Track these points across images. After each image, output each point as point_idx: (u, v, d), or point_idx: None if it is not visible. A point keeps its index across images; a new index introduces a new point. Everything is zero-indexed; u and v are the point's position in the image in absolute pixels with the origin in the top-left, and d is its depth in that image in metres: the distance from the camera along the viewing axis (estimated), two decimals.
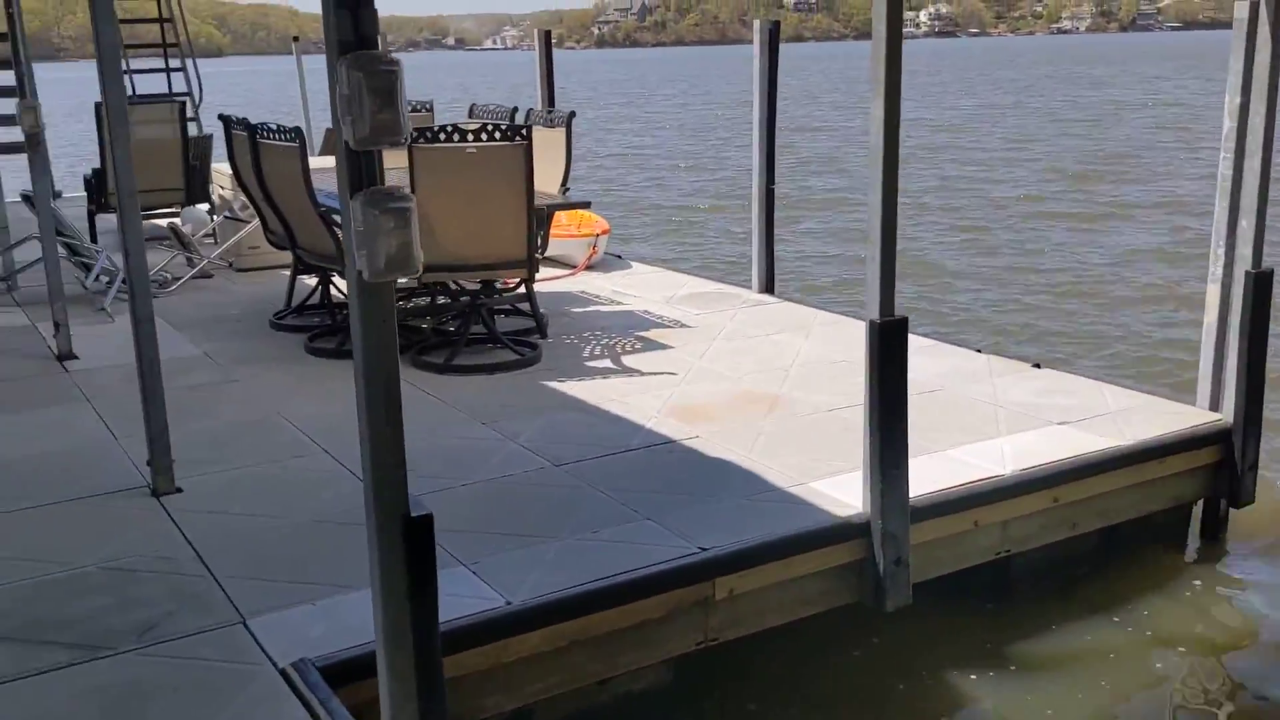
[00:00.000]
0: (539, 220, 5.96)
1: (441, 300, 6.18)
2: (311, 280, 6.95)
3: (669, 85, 62.36)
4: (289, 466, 4.48)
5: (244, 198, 8.12)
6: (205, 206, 9.02)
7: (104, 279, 7.33)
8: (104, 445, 4.73)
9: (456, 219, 5.52)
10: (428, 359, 5.82)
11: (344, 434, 4.78)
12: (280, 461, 4.53)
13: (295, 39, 13.97)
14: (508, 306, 6.35)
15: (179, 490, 4.19)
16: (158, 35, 14.14)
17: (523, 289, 6.09)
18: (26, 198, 7.24)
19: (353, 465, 4.41)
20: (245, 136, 6.10)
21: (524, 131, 5.39)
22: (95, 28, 3.83)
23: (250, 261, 8.27)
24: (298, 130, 5.62)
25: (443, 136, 5.34)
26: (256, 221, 7.89)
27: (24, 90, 5.70)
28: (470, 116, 7.50)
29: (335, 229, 5.82)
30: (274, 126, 5.83)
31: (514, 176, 5.43)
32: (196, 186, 8.40)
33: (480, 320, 5.98)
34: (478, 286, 5.94)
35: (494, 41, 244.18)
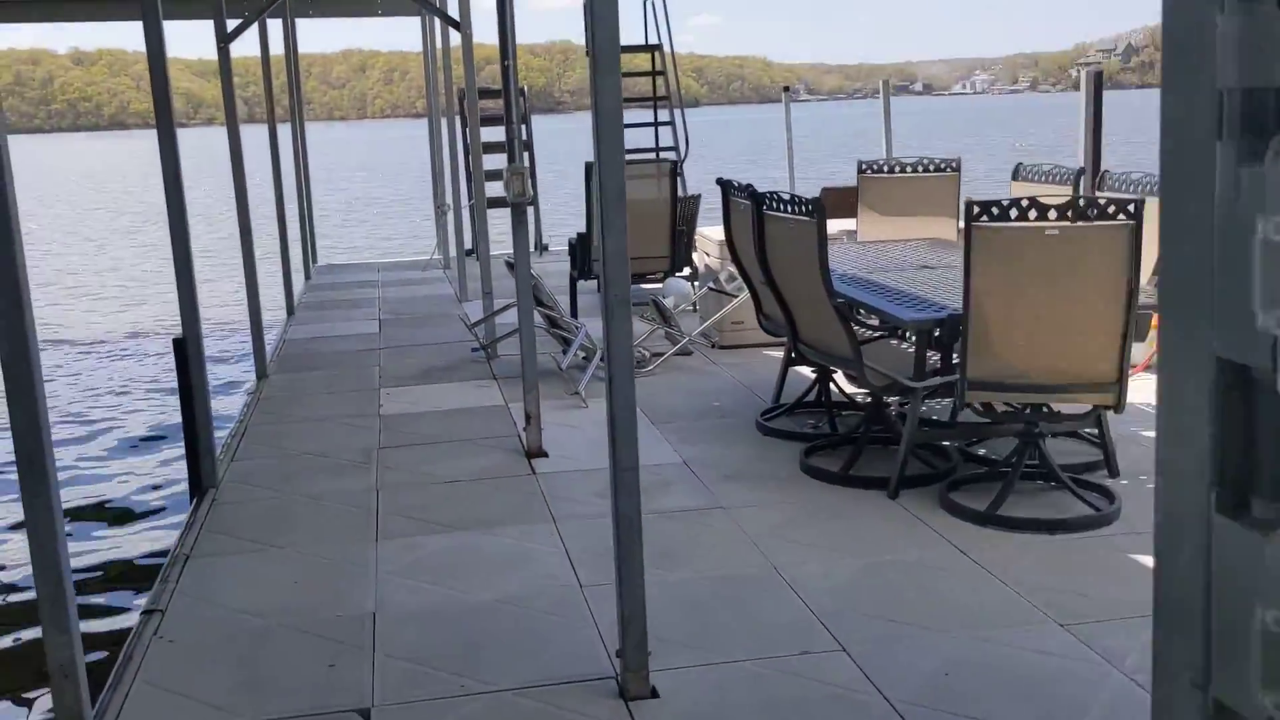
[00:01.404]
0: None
1: (981, 420, 4.74)
2: (806, 371, 5.81)
3: None
4: (793, 670, 3.25)
5: (731, 268, 7.20)
6: (686, 271, 8.26)
7: (580, 354, 6.67)
8: (567, 597, 3.79)
9: (1023, 321, 4.08)
10: (962, 501, 4.40)
11: (859, 616, 3.50)
12: (779, 658, 3.32)
13: (786, 89, 13.23)
14: (1067, 430, 4.79)
15: (654, 695, 3.10)
16: (647, 88, 13.99)
17: (1092, 412, 4.51)
18: (511, 266, 6.75)
19: (875, 674, 3.09)
20: (749, 205, 5.06)
21: (1132, 207, 3.84)
22: (594, 83, 2.88)
23: (733, 338, 7.33)
24: (815, 204, 4.46)
25: (1014, 213, 3.93)
26: (744, 296, 6.92)
27: (513, 154, 5.05)
28: (1016, 178, 6.02)
29: (853, 325, 4.60)
30: (786, 196, 4.72)
31: (1113, 268, 3.90)
32: (681, 253, 7.61)
33: (1035, 451, 4.47)
34: (1030, 408, 4.44)
35: (963, 86, 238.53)
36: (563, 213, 22.96)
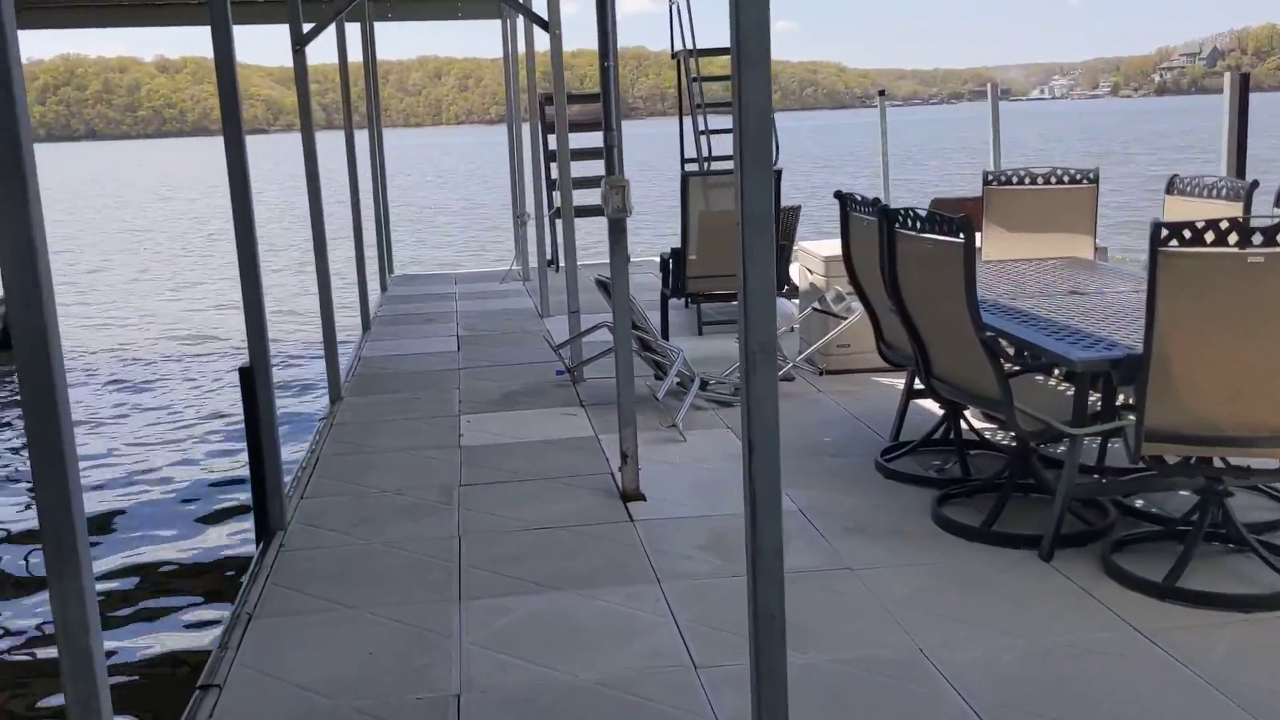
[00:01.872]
0: None
1: (1148, 474, 4.11)
2: (930, 405, 5.24)
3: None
4: None
5: (839, 287, 6.63)
6: (784, 289, 7.71)
7: (675, 380, 6.15)
8: (679, 681, 3.26)
9: (1217, 363, 3.47)
10: (1131, 567, 3.79)
11: (1031, 718, 2.92)
12: None
13: (881, 93, 12.61)
14: (1251, 485, 4.15)
15: None
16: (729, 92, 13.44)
17: None
18: (603, 285, 6.26)
19: None
20: (874, 222, 4.50)
21: None
22: (738, 81, 2.35)
23: (838, 362, 6.76)
24: (962, 224, 3.88)
25: (1210, 236, 3.33)
26: (854, 318, 6.35)
27: (612, 164, 4.54)
28: (1171, 192, 5.37)
29: (1001, 362, 4.01)
30: (923, 214, 4.15)
31: None
32: (782, 269, 7.05)
33: (1218, 509, 3.84)
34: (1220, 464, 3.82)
35: (1041, 91, 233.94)
36: (641, 222, 22.50)
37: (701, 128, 12.26)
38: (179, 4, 12.08)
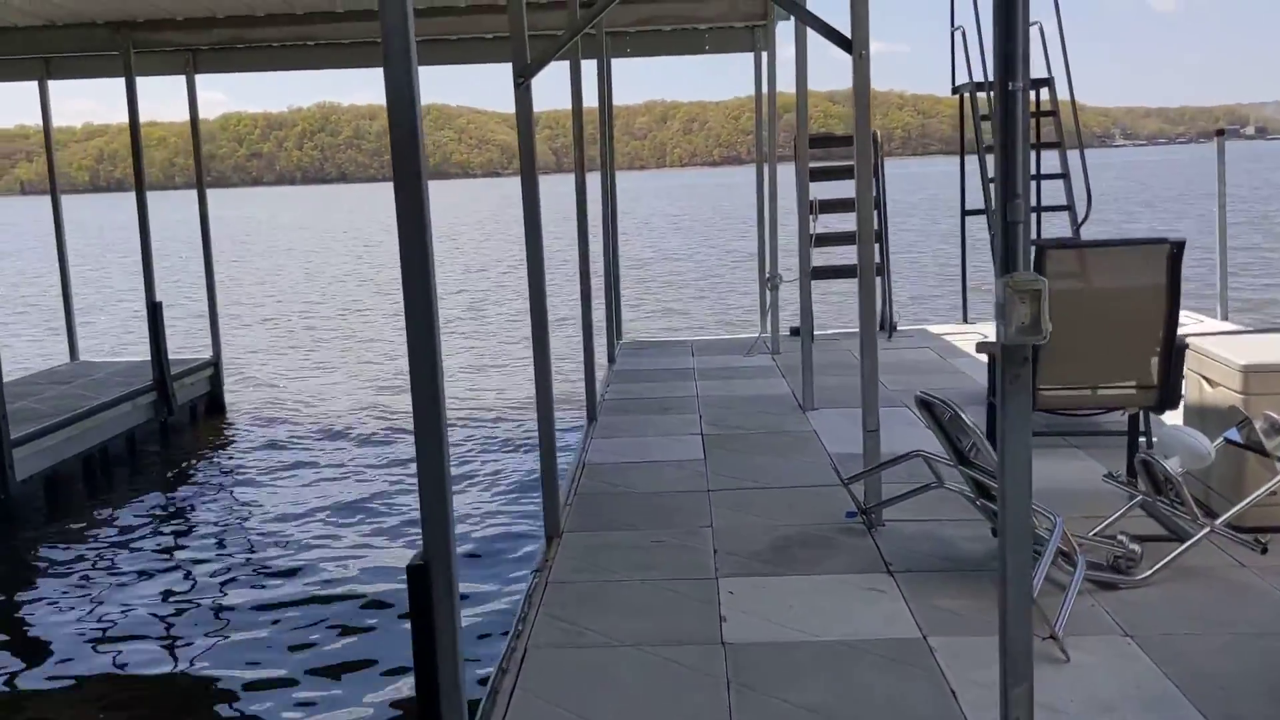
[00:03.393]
0: None
1: None
2: None
3: None
4: None
5: (1275, 414, 4.52)
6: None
7: (1050, 561, 4.19)
8: None
9: None
10: None
11: None
12: None
13: (1220, 132, 10.22)
14: None
15: None
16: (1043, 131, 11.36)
17: None
18: (926, 405, 4.39)
19: None
20: None
21: None
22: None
23: (1260, 515, 4.62)
24: None
25: None
26: None
27: (1016, 254, 2.70)
28: None
29: None
30: None
31: None
32: (1175, 380, 4.96)
33: None
34: None
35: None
36: (906, 274, 19.90)
37: (992, 174, 10.20)
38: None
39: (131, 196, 10.35)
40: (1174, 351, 4.89)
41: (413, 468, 3.02)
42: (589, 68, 9.97)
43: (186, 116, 10.98)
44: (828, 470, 6.08)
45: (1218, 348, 4.99)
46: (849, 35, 4.93)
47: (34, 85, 11.08)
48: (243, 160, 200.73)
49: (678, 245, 36.91)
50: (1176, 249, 4.75)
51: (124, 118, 9.95)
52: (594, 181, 10.15)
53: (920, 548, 4.79)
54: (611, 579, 4.59)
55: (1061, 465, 5.86)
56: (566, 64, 9.72)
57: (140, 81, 9.95)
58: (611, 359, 10.02)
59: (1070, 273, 4.90)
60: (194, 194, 11.10)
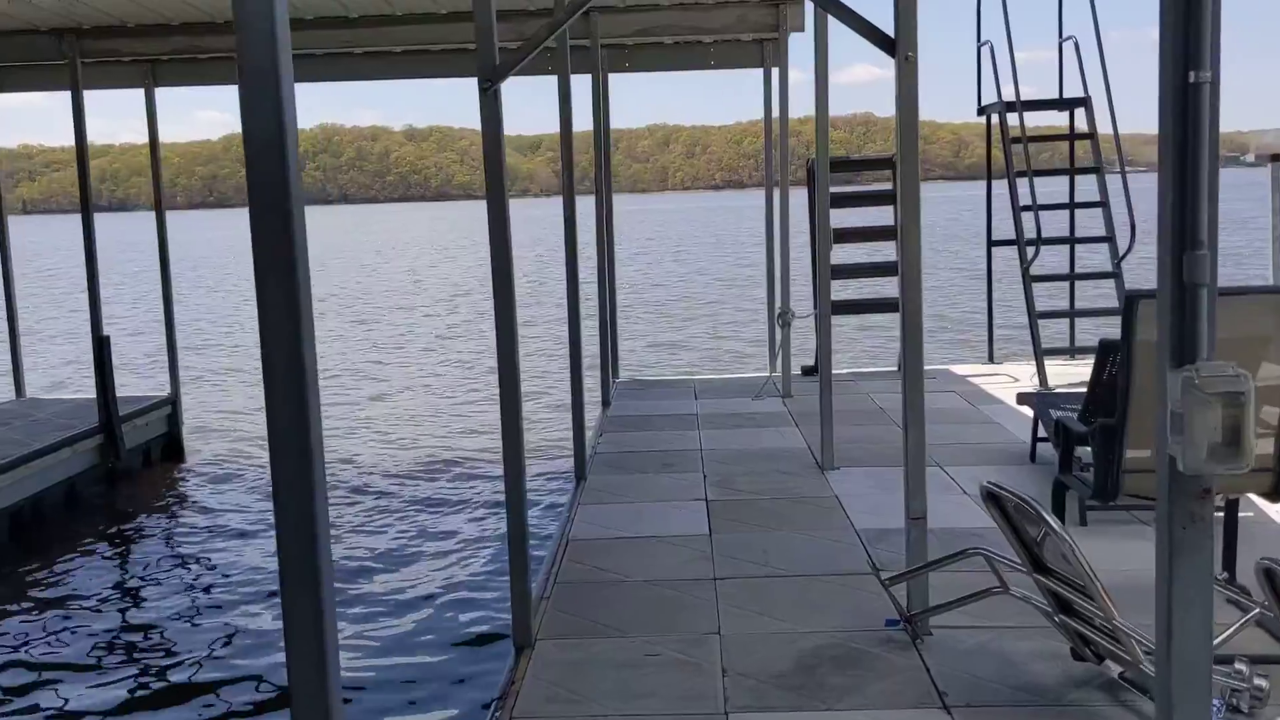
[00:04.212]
0: None
1: None
2: None
3: None
4: None
5: None
6: None
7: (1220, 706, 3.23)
8: None
9: None
10: None
11: None
12: None
13: (1276, 157, 9.31)
14: None
15: None
16: (1061, 154, 10.51)
17: None
18: (994, 498, 3.44)
19: None
20: None
21: None
22: None
23: None
24: None
25: None
26: None
27: (1195, 350, 1.77)
28: None
29: None
30: None
31: None
32: None
33: None
34: None
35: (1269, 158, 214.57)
36: (937, 320, 18.57)
37: (1026, 201, 9.30)
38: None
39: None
40: None
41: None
42: (583, 83, 9.11)
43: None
44: (856, 551, 5.12)
45: None
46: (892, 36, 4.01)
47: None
48: (244, 181, 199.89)
49: (678, 271, 36.00)
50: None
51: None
52: (589, 204, 9.28)
53: (981, 669, 3.82)
54: (592, 712, 3.62)
55: (1132, 550, 4.90)
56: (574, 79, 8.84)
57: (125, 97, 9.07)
58: (606, 401, 9.08)
59: None
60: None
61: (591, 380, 10.68)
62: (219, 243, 59.08)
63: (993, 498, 3.49)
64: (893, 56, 4.04)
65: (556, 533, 5.70)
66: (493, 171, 4.04)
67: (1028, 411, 7.07)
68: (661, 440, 7.67)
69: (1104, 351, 5.23)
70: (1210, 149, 1.81)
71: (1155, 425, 1.85)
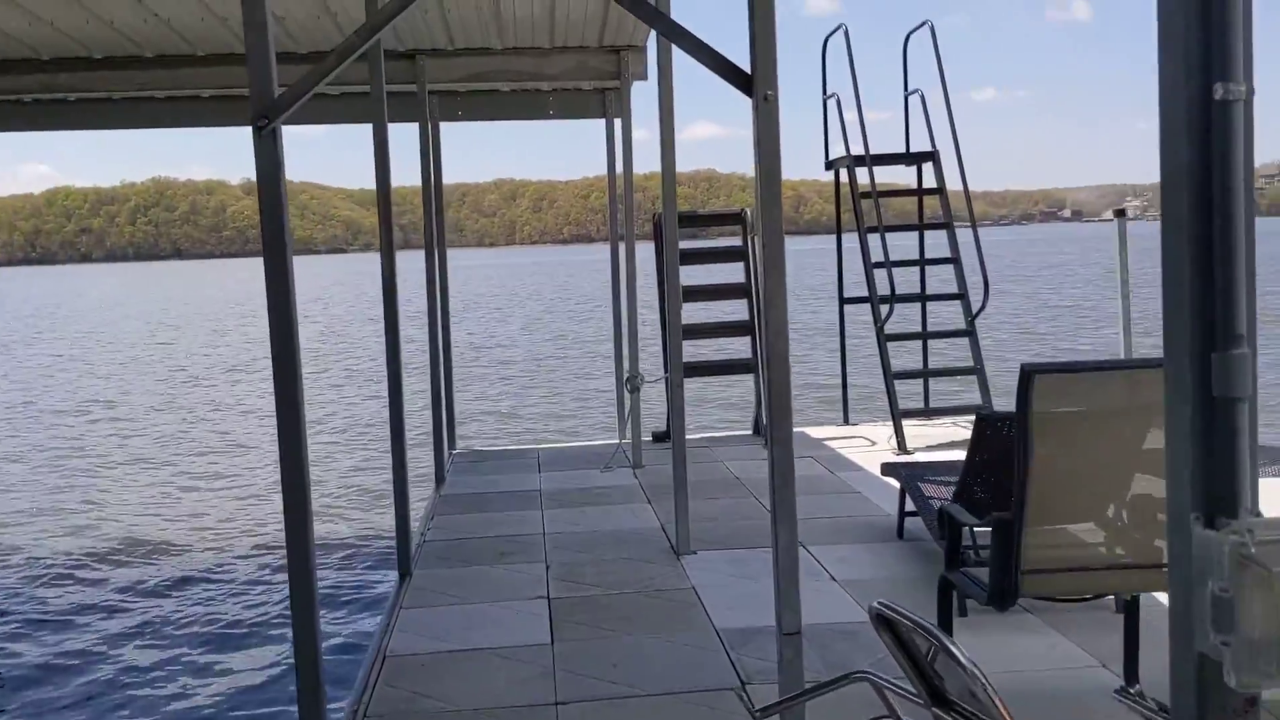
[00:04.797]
0: None
1: None
2: None
3: None
4: None
5: None
6: None
7: None
8: None
9: None
10: None
11: None
12: None
13: (1120, 212, 9.24)
14: None
15: None
16: (908, 209, 10.31)
17: None
18: (884, 620, 2.85)
19: None
20: None
21: None
22: None
23: None
24: None
25: None
26: None
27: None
28: None
29: None
30: None
31: None
32: None
33: None
34: None
35: (1113, 213, 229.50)
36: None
37: (879, 258, 8.98)
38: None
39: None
40: None
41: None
42: (409, 131, 8.39)
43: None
44: (719, 659, 4.47)
45: None
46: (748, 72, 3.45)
47: None
48: (71, 236, 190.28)
49: (517, 332, 35.21)
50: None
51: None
52: (417, 260, 8.53)
53: None
54: None
55: (1023, 648, 4.41)
56: (415, 128, 8.12)
57: None
58: (440, 478, 8.26)
59: (1071, 410, 3.45)
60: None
61: (424, 455, 9.86)
62: (25, 300, 55.30)
63: (884, 621, 2.89)
64: (749, 95, 3.48)
65: (372, 647, 4.88)
66: (271, 223, 3.29)
67: (891, 481, 6.62)
68: (499, 523, 6.92)
69: (982, 426, 4.78)
70: (1246, 194, 1.24)
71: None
